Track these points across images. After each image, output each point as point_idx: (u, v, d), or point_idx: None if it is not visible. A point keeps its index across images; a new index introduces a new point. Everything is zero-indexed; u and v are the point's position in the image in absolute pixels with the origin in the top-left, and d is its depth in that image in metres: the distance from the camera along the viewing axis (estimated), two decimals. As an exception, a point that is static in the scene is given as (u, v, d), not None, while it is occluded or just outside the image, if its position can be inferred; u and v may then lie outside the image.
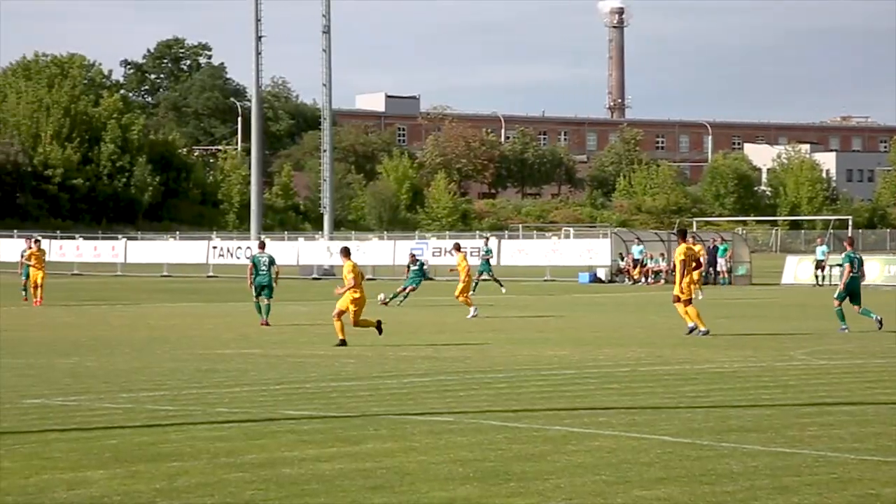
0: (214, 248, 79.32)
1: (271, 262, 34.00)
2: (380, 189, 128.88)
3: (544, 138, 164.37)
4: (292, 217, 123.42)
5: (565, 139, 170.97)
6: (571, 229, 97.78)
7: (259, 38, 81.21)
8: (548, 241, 76.74)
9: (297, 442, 13.78)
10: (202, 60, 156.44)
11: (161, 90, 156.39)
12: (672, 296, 29.03)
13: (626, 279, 64.56)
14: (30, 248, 45.06)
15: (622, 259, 66.18)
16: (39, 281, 43.16)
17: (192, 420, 15.53)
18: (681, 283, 28.26)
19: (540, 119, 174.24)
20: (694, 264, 29.87)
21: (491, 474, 11.96)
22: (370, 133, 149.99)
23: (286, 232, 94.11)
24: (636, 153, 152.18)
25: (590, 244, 71.61)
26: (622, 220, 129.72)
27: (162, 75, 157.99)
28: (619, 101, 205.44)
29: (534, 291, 57.66)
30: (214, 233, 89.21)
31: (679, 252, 29.12)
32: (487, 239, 59.80)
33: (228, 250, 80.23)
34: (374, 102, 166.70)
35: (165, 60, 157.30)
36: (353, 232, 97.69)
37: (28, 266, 44.07)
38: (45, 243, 76.52)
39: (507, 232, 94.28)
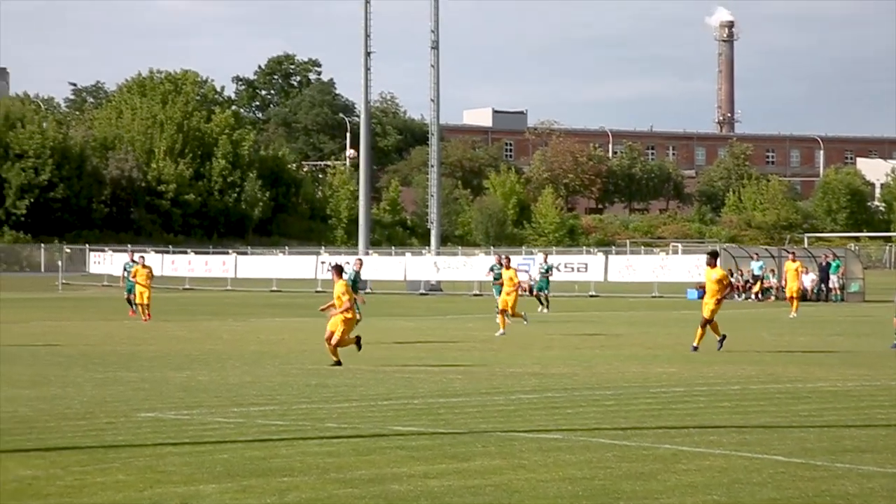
0: (323, 262, 79.74)
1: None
2: (487, 204, 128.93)
3: (652, 153, 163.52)
4: (399, 232, 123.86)
5: (673, 154, 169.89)
6: (680, 245, 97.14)
7: (368, 54, 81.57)
8: (656, 256, 76.22)
9: (406, 458, 13.79)
10: (312, 76, 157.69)
11: (271, 106, 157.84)
12: (702, 318, 29.37)
13: (736, 295, 63.93)
14: (134, 263, 45.46)
15: (731, 275, 65.54)
16: (146, 300, 43.28)
17: (302, 435, 15.60)
18: (715, 305, 29.16)
19: (648, 134, 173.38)
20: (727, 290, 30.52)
21: (600, 493, 11.88)
22: (477, 148, 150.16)
23: (393, 247, 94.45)
24: (746, 168, 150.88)
25: (698, 260, 70.91)
26: (731, 235, 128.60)
27: (272, 91, 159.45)
28: (729, 115, 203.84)
29: (641, 307, 57.29)
30: (323, 248, 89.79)
31: (720, 275, 29.45)
32: (546, 255, 59.67)
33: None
34: (481, 117, 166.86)
35: (276, 77, 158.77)
36: (459, 247, 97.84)
37: (132, 282, 44.37)
38: (157, 258, 77.82)
39: (614, 247, 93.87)
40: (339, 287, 25.85)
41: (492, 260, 52.95)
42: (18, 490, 11.81)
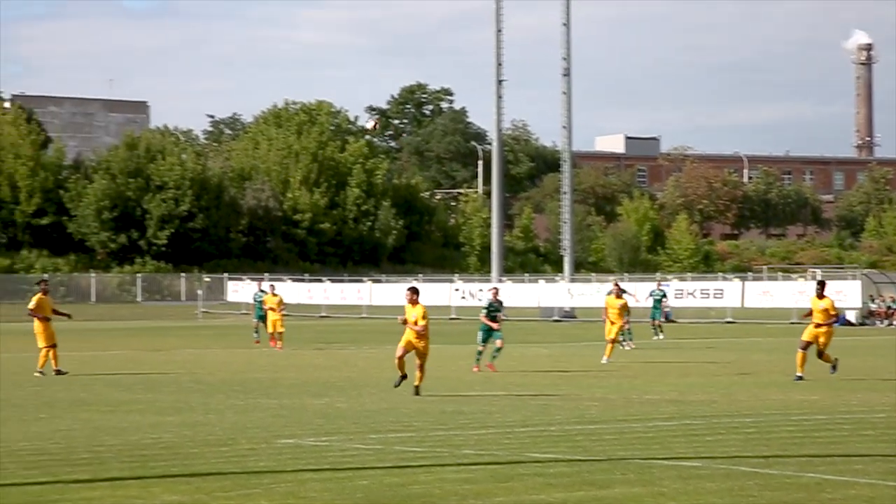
0: (456, 290, 80.00)
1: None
2: (620, 230, 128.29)
3: (789, 178, 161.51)
4: (533, 259, 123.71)
5: (811, 179, 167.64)
6: (818, 271, 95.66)
7: (500, 82, 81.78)
8: (794, 282, 75.19)
9: (545, 485, 13.75)
10: (444, 105, 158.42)
11: (404, 135, 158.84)
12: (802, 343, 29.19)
13: (878, 322, 62.89)
14: (263, 293, 46.29)
15: (872, 301, 64.51)
16: (279, 328, 43.53)
17: (439, 462, 15.64)
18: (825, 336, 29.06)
19: (784, 158, 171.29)
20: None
21: (743, 521, 11.74)
22: (610, 174, 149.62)
23: (527, 274, 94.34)
24: (886, 192, 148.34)
25: (839, 286, 69.85)
26: (872, 261, 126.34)
27: (405, 120, 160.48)
28: (868, 139, 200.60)
29: (779, 334, 56.49)
30: (456, 275, 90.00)
31: (827, 305, 29.22)
32: (659, 283, 59.16)
33: (470, 292, 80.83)
34: (613, 144, 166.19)
35: (408, 106, 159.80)
36: (593, 274, 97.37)
37: (262, 311, 44.94)
38: (293, 286, 78.68)
39: (751, 273, 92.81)
40: (422, 310, 25.70)
41: (632, 287, 53.23)
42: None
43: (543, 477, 14.32)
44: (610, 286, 49.46)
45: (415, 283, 41.87)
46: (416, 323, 25.54)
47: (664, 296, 54.03)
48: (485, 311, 33.84)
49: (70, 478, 14.32)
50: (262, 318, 45.13)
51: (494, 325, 32.95)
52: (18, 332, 53.38)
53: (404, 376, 25.75)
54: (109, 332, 58.81)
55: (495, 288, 38.54)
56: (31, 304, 31.92)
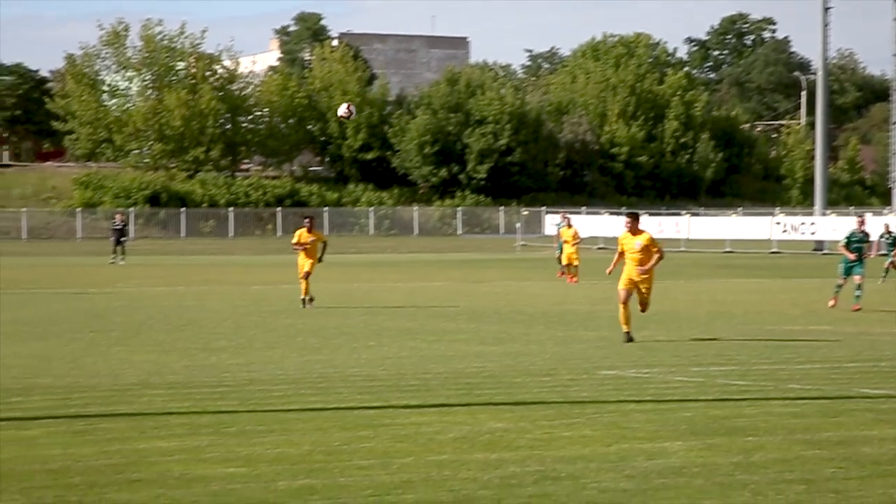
0: (777, 223, 78.56)
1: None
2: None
3: None
4: (858, 192, 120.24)
5: None
6: None
7: (826, 10, 79.51)
8: None
9: (876, 421, 13.41)
10: (766, 35, 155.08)
11: (724, 66, 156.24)
12: None
13: None
14: (557, 226, 45.58)
15: None
16: (574, 261, 43.11)
17: (765, 395, 15.43)
18: None
19: None
20: None
21: None
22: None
23: (852, 207, 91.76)
24: None
25: None
26: None
27: (725, 51, 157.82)
28: None
29: None
30: (777, 208, 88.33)
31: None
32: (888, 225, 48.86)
33: (792, 226, 79.27)
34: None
35: (729, 37, 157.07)
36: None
37: (561, 243, 44.42)
38: (610, 220, 78.56)
39: None
40: (644, 238, 22.66)
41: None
42: (491, 441, 12.22)
43: (874, 413, 13.98)
44: None
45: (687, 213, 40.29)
46: (639, 259, 22.73)
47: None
48: (845, 241, 31.41)
49: (400, 403, 14.74)
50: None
51: (851, 256, 31.11)
52: (345, 264, 55.11)
53: (629, 336, 22.37)
54: (431, 263, 60.08)
55: (861, 217, 35.12)
56: (293, 239, 32.37)
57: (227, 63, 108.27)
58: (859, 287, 30.43)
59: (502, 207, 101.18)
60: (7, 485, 10.22)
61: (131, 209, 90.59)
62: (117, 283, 42.70)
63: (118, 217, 65.30)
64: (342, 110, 15.61)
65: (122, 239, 61.96)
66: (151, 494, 9.85)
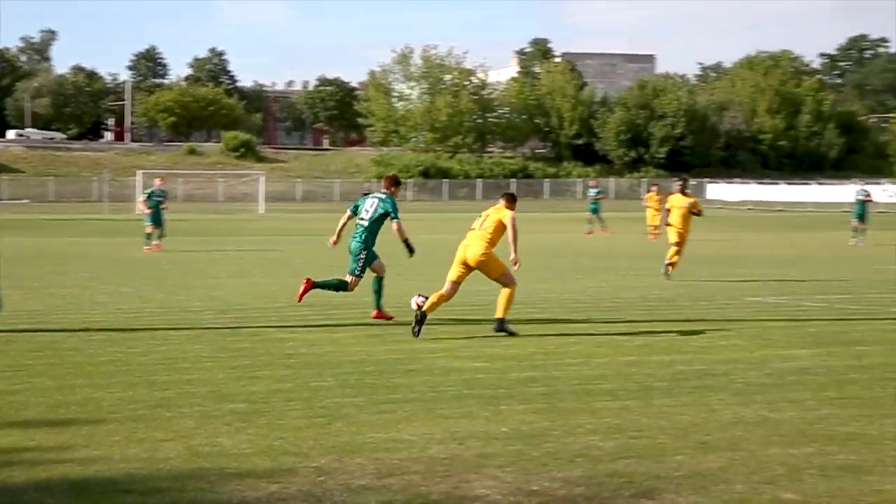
0: (884, 190, 75.01)
1: None
2: None
3: None
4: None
5: None
6: None
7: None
8: None
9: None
10: (881, 50, 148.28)
11: (848, 73, 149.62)
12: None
13: None
14: (650, 192, 39.92)
15: None
16: (657, 222, 34.87)
17: (873, 316, 14.81)
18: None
19: None
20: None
21: None
22: None
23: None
24: None
25: None
26: None
27: (850, 62, 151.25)
28: None
29: None
30: (885, 180, 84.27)
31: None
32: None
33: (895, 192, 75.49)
34: None
35: (853, 51, 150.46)
36: None
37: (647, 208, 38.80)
38: (756, 188, 76.24)
39: None
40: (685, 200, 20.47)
41: None
42: (666, 347, 12.00)
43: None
44: None
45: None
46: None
47: (868, 197, 37.97)
48: None
49: (600, 318, 14.64)
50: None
51: None
52: (562, 220, 54.71)
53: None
54: (622, 220, 59.23)
55: None
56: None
57: (480, 75, 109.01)
58: None
59: (675, 178, 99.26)
60: (323, 370, 10.53)
61: (410, 180, 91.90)
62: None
63: (366, 185, 64.04)
64: (415, 302, 13.44)
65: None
66: (421, 380, 10.02)
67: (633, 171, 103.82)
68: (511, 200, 13.10)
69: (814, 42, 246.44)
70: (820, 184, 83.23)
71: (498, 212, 13.05)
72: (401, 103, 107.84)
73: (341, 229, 14.16)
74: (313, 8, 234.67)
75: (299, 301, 14.23)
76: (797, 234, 42.42)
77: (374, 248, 14.08)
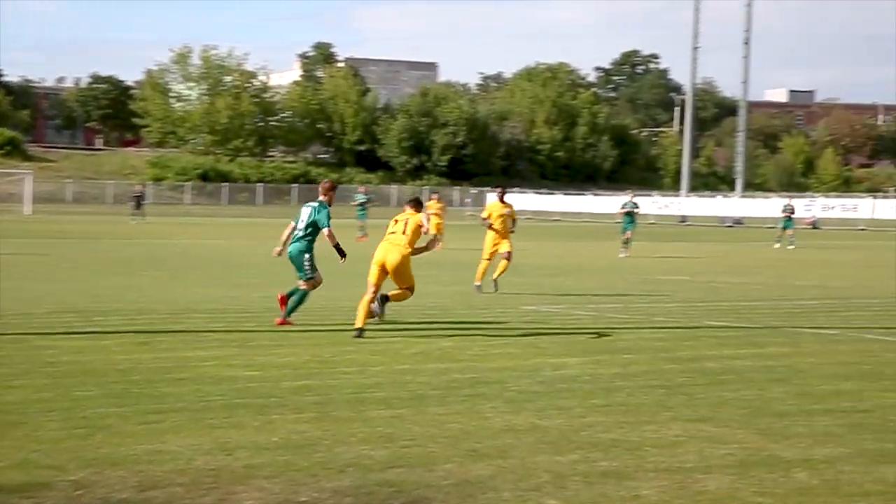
0: (654, 202, 78.78)
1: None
2: (780, 160, 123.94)
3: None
4: (713, 180, 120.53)
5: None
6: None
7: (695, 49, 79.59)
8: (915, 200, 71.62)
9: (717, 344, 13.48)
10: (652, 66, 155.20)
11: (621, 87, 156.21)
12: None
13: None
14: (431, 200, 38.34)
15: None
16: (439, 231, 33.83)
17: (639, 325, 15.47)
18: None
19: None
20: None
21: (868, 374, 11.29)
22: (775, 118, 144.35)
23: (707, 191, 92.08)
24: None
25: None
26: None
27: (623, 76, 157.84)
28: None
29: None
30: (655, 192, 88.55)
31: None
32: (790, 199, 47.30)
33: (665, 205, 79.57)
34: (779, 95, 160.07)
35: (626, 66, 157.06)
36: (757, 192, 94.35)
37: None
38: (534, 197, 78.64)
39: (881, 193, 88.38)
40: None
41: (784, 202, 50.15)
42: (442, 355, 12.16)
43: (716, 339, 14.04)
44: (777, 201, 43.60)
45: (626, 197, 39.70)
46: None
47: (793, 211, 44.83)
48: None
49: (378, 326, 14.64)
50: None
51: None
52: (344, 227, 54.78)
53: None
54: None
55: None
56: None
57: (262, 78, 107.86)
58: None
59: (457, 187, 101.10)
60: (86, 379, 10.14)
61: (188, 183, 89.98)
62: (176, 237, 42.40)
63: (138, 187, 63.66)
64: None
65: (142, 203, 58.66)
66: (189, 389, 9.79)
67: (416, 179, 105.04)
68: (419, 205, 14.45)
69: (589, 56, 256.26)
70: (595, 194, 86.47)
71: (413, 217, 14.16)
72: (179, 104, 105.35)
73: (286, 240, 14.65)
74: (85, 3, 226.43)
75: (280, 324, 14.14)
76: (573, 244, 43.91)
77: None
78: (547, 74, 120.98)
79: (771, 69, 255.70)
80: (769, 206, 72.60)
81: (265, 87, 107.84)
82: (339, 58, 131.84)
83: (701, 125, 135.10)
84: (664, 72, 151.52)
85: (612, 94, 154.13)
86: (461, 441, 7.93)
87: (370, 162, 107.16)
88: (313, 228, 14.56)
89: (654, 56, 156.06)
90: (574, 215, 79.68)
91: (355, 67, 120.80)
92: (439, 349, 12.60)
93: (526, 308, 17.65)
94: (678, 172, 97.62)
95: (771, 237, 49.55)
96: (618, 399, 9.74)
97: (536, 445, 7.85)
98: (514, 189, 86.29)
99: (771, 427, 8.62)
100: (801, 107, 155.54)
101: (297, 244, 14.57)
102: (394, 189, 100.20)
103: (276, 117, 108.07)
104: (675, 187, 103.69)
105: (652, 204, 77.32)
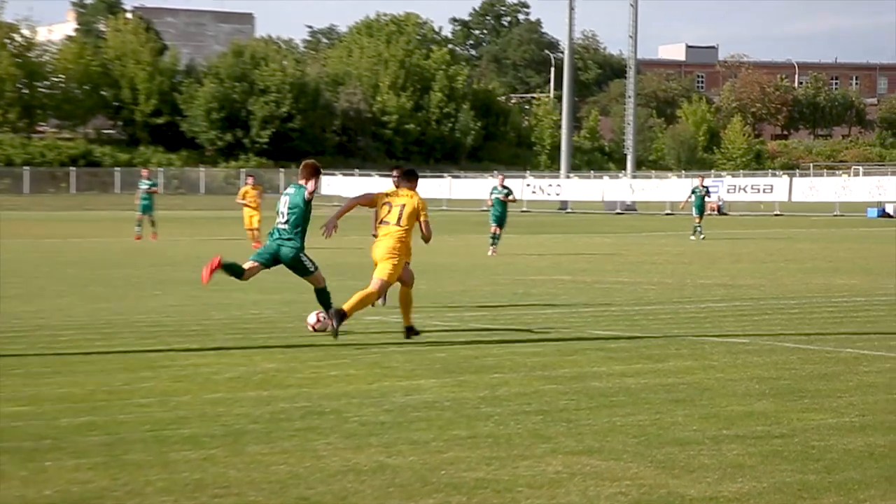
0: (528, 185, 79.87)
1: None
2: (679, 132, 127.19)
3: (836, 83, 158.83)
4: (598, 158, 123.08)
5: (857, 84, 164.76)
6: (861, 168, 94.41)
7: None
8: (838, 178, 74.36)
9: (605, 358, 13.72)
10: (521, 17, 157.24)
11: (484, 44, 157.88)
12: None
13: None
14: (246, 185, 39.03)
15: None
16: (256, 224, 36.72)
17: (510, 338, 15.65)
18: None
19: (832, 65, 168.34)
20: None
21: (786, 391, 11.65)
22: (671, 80, 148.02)
23: (592, 171, 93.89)
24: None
25: (879, 181, 69.15)
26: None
27: (485, 31, 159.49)
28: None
29: (823, 225, 55.95)
30: (528, 172, 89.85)
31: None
32: (702, 179, 47.15)
33: (540, 188, 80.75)
34: (675, 52, 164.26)
35: (488, 17, 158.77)
36: (653, 171, 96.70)
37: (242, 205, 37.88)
38: (382, 181, 78.85)
39: (798, 171, 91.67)
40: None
41: (688, 182, 51.76)
42: (264, 380, 12.11)
43: (605, 351, 14.29)
44: (676, 181, 45.17)
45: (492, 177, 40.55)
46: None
47: (707, 193, 45.72)
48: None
49: (181, 347, 14.49)
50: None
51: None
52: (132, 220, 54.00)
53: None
54: (216, 220, 59.36)
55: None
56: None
57: (25, 32, 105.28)
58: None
59: (282, 169, 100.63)
60: None
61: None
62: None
63: None
64: (312, 319, 14.76)
65: None
66: (-62, 434, 9.47)
67: (230, 160, 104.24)
68: (413, 178, 15.98)
69: (443, 5, 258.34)
70: (455, 176, 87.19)
71: (410, 200, 15.55)
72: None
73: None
74: None
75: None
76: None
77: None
78: (391, 28, 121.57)
79: (666, 21, 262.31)
80: (667, 189, 74.44)
81: (30, 45, 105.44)
82: (127, 7, 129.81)
83: (582, 89, 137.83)
84: (536, 24, 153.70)
85: (473, 53, 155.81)
86: (290, 487, 7.89)
87: (170, 139, 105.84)
88: (299, 216, 15.51)
89: (524, 5, 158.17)
90: (430, 203, 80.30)
91: (148, 19, 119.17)
92: (261, 372, 12.52)
93: (369, 319, 17.67)
94: (556, 148, 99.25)
95: (672, 227, 50.83)
96: (485, 429, 9.82)
97: (384, 489, 7.86)
98: (355, 171, 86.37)
99: (671, 458, 8.82)
100: (702, 66, 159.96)
101: (288, 245, 15.61)
102: (202, 172, 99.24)
103: (45, 83, 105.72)
104: (552, 166, 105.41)
105: (526, 188, 78.38)
